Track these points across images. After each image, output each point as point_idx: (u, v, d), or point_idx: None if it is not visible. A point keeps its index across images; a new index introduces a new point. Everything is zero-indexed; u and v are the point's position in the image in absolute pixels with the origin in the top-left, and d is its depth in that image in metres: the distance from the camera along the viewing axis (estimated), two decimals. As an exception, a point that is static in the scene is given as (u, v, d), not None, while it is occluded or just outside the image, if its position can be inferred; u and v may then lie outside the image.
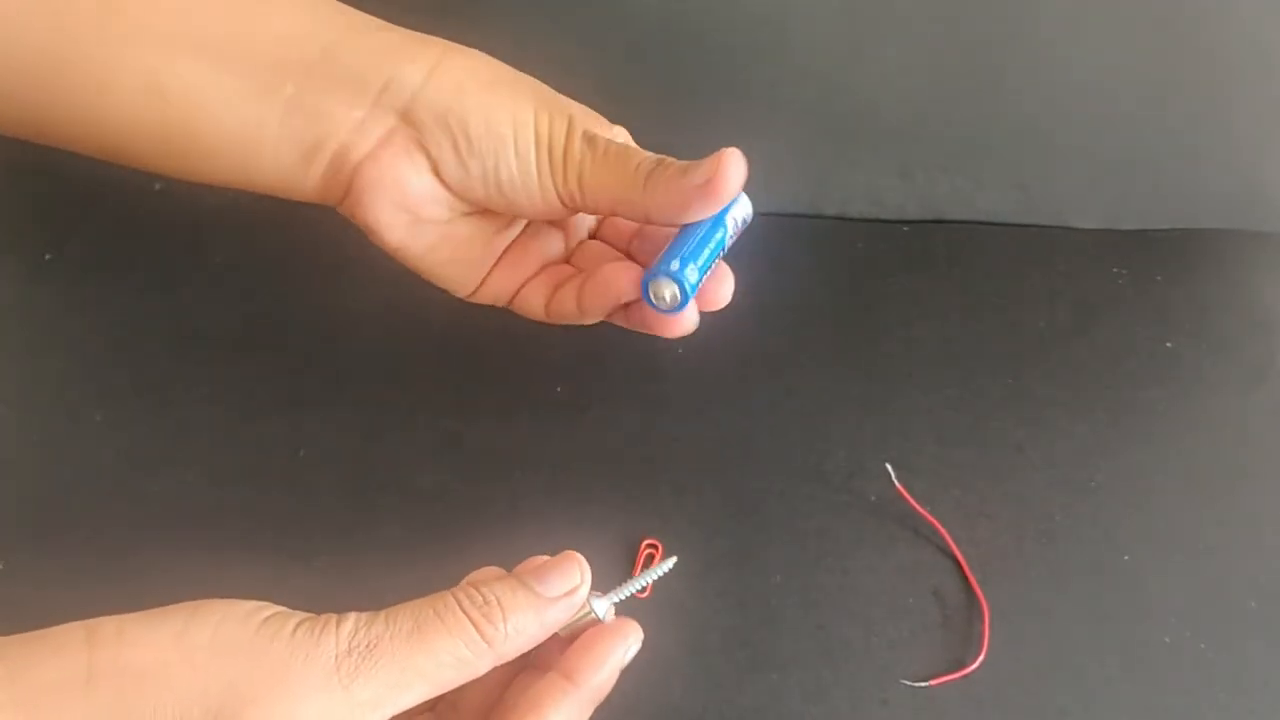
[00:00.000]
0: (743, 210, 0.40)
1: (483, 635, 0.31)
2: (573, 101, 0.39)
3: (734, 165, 0.36)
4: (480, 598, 0.32)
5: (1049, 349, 0.60)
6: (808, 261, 0.64)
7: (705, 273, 0.38)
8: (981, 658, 0.47)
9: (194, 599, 0.46)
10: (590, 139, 0.37)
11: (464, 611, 0.31)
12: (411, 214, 0.38)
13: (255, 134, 0.36)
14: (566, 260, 0.44)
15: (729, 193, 0.36)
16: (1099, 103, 0.61)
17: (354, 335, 0.59)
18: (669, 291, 0.38)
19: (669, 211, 0.37)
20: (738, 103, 0.60)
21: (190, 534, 0.50)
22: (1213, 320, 0.62)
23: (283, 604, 0.47)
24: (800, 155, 0.63)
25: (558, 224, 0.43)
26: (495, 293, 0.43)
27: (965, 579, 0.50)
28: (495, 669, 0.32)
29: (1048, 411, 0.57)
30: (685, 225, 0.38)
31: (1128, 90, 0.61)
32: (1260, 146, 0.64)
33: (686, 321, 0.39)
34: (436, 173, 0.37)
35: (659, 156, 0.37)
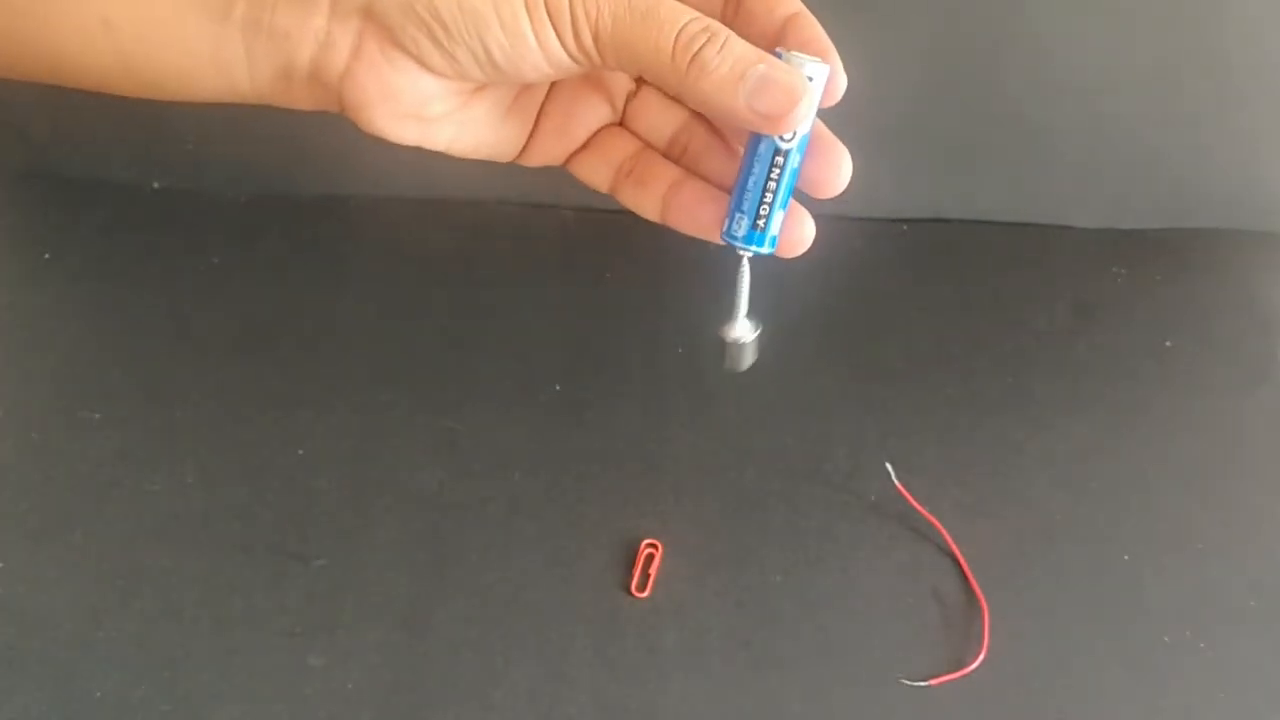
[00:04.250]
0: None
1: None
2: None
3: (805, 102, 0.31)
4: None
5: (1049, 349, 0.60)
6: (806, 261, 0.64)
7: (781, 211, 0.34)
8: (981, 657, 0.47)
9: (193, 599, 0.46)
10: None
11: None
12: (414, 117, 0.34)
13: (219, 58, 0.33)
14: (621, 121, 0.39)
15: (796, 127, 0.31)
16: (1098, 102, 0.61)
17: (353, 335, 0.59)
18: (745, 255, 0.35)
19: (718, 115, 0.32)
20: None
21: (189, 534, 0.50)
22: (1213, 320, 0.62)
23: (281, 605, 0.48)
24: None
25: (592, 80, 0.38)
26: (543, 159, 0.38)
27: (965, 579, 0.50)
28: None
29: (1048, 411, 0.57)
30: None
31: (1127, 90, 0.61)
32: (1260, 146, 0.64)
33: (790, 250, 0.35)
34: (425, 68, 0.33)
35: (707, 24, 0.31)
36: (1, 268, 0.61)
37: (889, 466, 0.52)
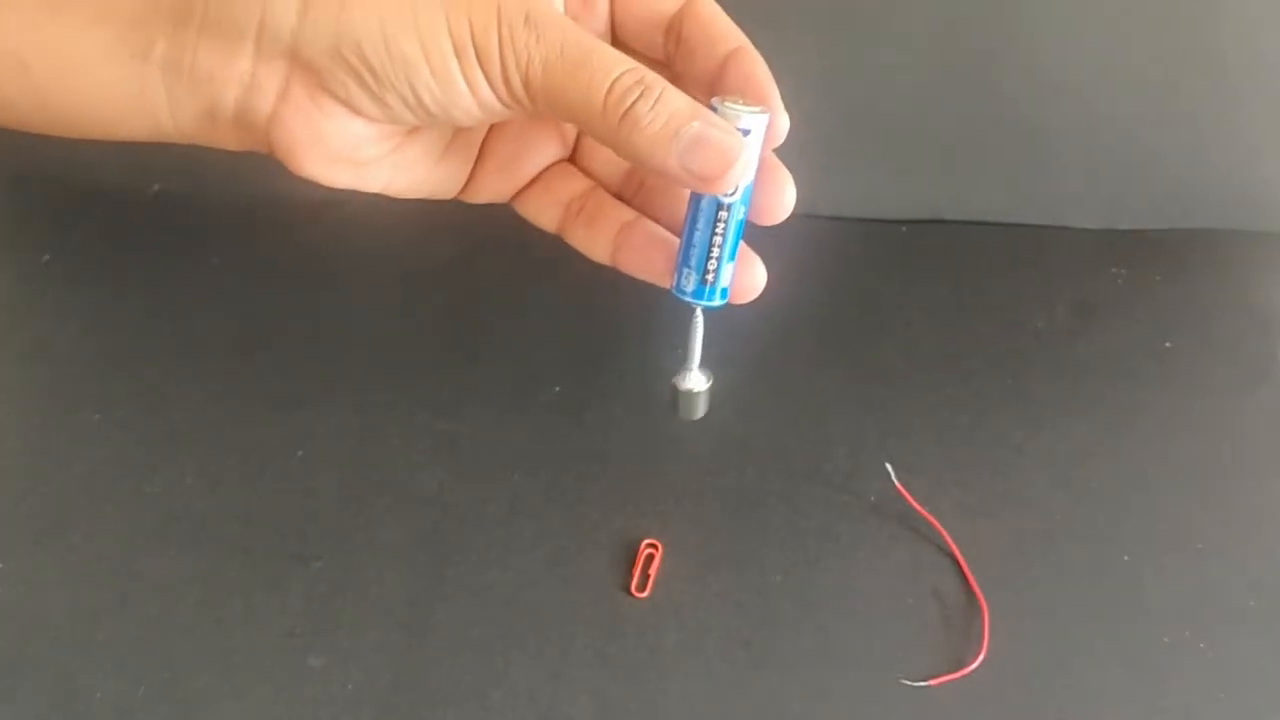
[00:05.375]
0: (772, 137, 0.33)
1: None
2: None
3: (740, 169, 0.30)
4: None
5: (1048, 349, 0.60)
6: (806, 262, 0.64)
7: (730, 263, 0.33)
8: (981, 657, 0.47)
9: (193, 600, 0.46)
10: (537, 25, 0.29)
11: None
12: (345, 160, 0.33)
13: (140, 99, 0.32)
14: (570, 158, 0.37)
15: (733, 186, 0.30)
16: (1097, 102, 0.61)
17: (353, 336, 0.59)
18: (698, 310, 0.34)
19: (652, 173, 0.31)
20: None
21: (188, 535, 0.50)
22: (1212, 320, 0.62)
23: (280, 605, 0.48)
24: (797, 155, 0.63)
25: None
26: (488, 196, 0.37)
27: (965, 579, 0.50)
28: None
29: (1048, 411, 0.57)
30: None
31: (1126, 90, 0.61)
32: (1260, 146, 0.64)
33: (742, 298, 0.34)
34: (354, 113, 0.31)
35: (641, 75, 0.29)
36: (1, 269, 0.61)
37: (889, 466, 0.52)
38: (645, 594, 0.49)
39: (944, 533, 0.51)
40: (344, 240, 0.63)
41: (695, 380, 0.36)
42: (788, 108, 0.35)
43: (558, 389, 0.57)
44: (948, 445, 0.55)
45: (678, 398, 0.36)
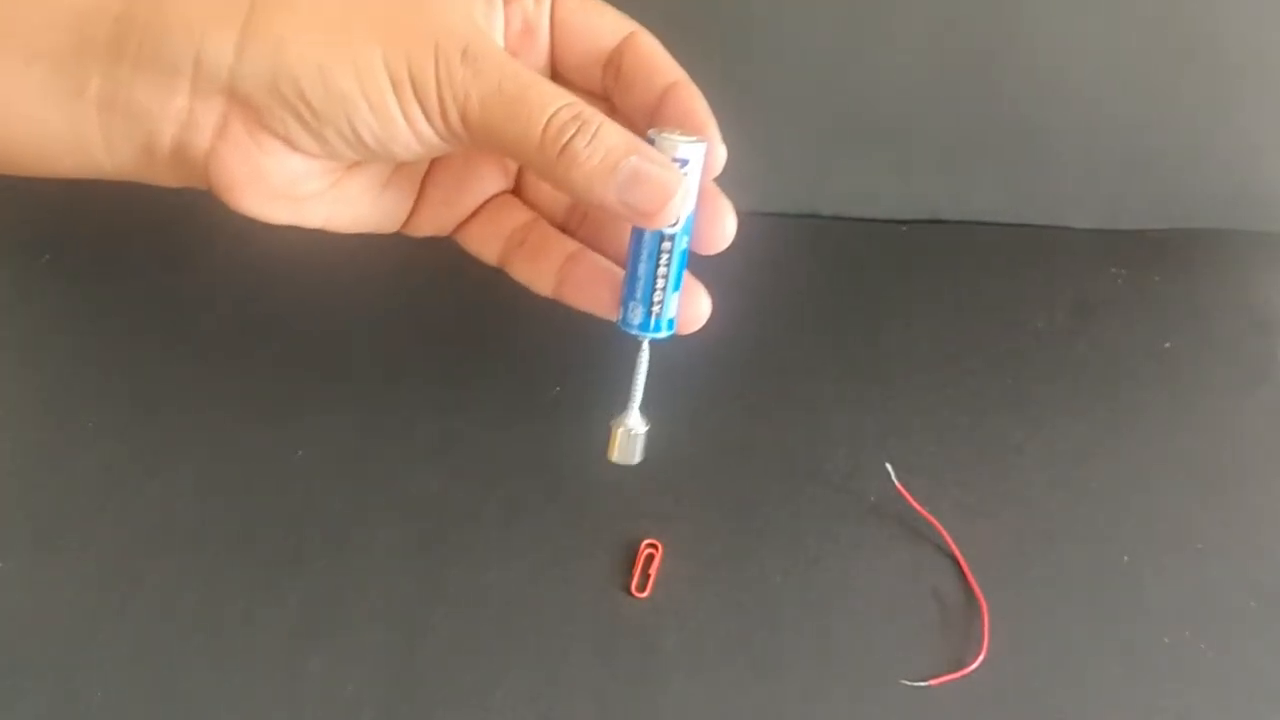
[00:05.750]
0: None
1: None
2: (444, 8, 0.30)
3: (678, 202, 0.29)
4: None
5: (1048, 349, 0.60)
6: (806, 262, 0.64)
7: (675, 293, 0.33)
8: (981, 658, 0.47)
9: (192, 602, 0.46)
10: (475, 61, 0.29)
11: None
12: (285, 197, 0.33)
13: (75, 136, 0.31)
14: (514, 190, 0.37)
15: (672, 220, 0.30)
16: (1097, 102, 0.61)
17: (352, 337, 0.59)
18: (645, 343, 0.34)
19: (592, 208, 0.31)
20: (735, 103, 0.59)
21: (187, 536, 0.50)
22: (1212, 320, 0.62)
23: (280, 607, 0.48)
24: (798, 156, 0.63)
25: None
26: (430, 229, 0.37)
27: (965, 579, 0.50)
28: None
29: (1048, 411, 0.57)
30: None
31: (1126, 90, 0.61)
32: (1260, 146, 0.64)
33: (687, 329, 0.34)
34: (293, 149, 0.31)
35: (578, 111, 0.29)
36: (1, 269, 0.61)
37: (889, 466, 0.52)
38: (645, 594, 0.49)
39: (944, 533, 0.51)
40: (344, 240, 0.63)
41: (635, 421, 0.34)
42: (788, 108, 0.35)
43: (558, 389, 0.57)
44: (948, 445, 0.55)
45: (616, 439, 0.35)
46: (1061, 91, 0.61)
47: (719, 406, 0.57)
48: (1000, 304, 0.63)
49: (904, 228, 0.67)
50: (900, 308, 0.62)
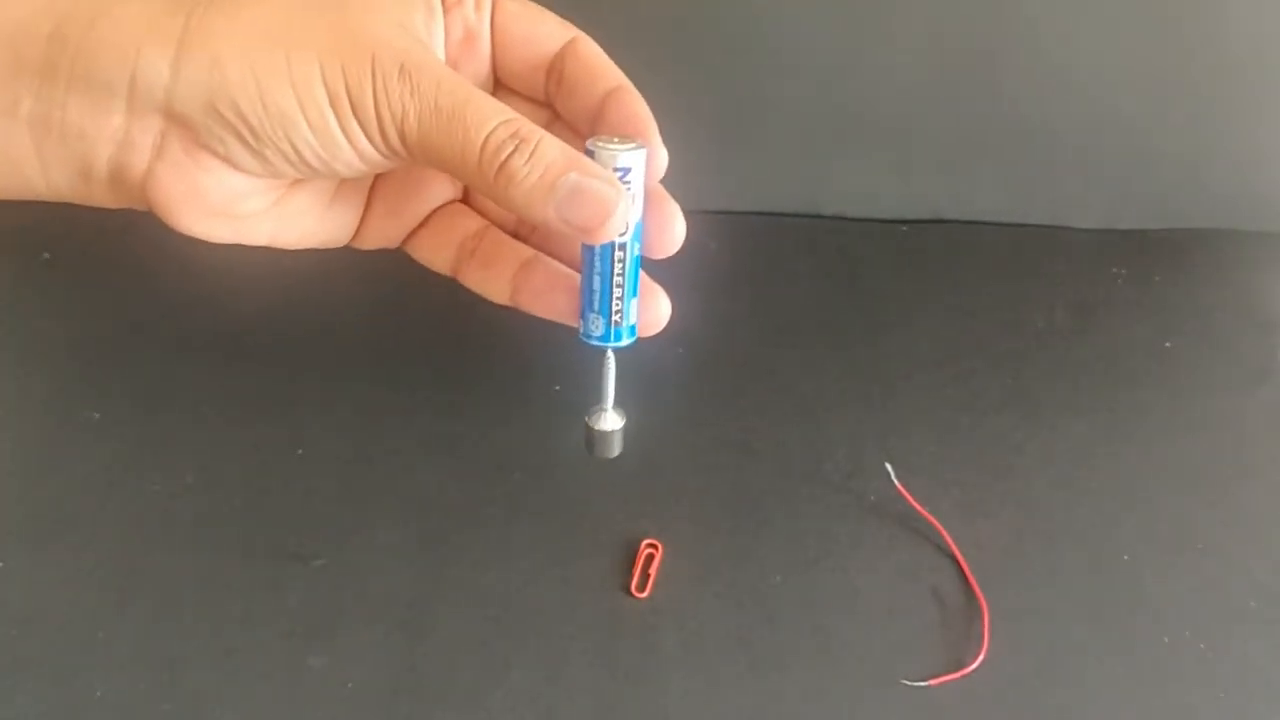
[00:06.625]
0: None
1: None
2: (382, 18, 0.30)
3: (619, 217, 0.29)
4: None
5: (1048, 349, 0.60)
6: (806, 261, 0.64)
7: (634, 299, 0.33)
8: (981, 658, 0.47)
9: (193, 599, 0.46)
10: (411, 76, 0.28)
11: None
12: (226, 215, 0.32)
13: (7, 157, 0.31)
14: (464, 198, 0.37)
15: (614, 236, 0.30)
16: (1097, 103, 0.61)
17: (352, 336, 0.59)
18: (609, 351, 0.34)
19: (532, 222, 0.30)
20: (736, 103, 0.60)
21: (188, 534, 0.50)
22: (1212, 320, 0.62)
23: (281, 605, 0.48)
24: (799, 156, 0.63)
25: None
26: (380, 242, 0.36)
27: (965, 579, 0.50)
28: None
29: (1047, 411, 0.57)
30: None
31: (1127, 90, 0.61)
32: (1261, 147, 0.64)
33: (648, 332, 0.35)
34: (234, 168, 0.30)
35: (516, 128, 0.29)
36: (1, 269, 0.61)
37: (889, 466, 0.52)
38: (645, 594, 0.49)
39: (944, 533, 0.51)
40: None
41: (609, 420, 0.36)
42: (789, 109, 0.35)
43: (557, 388, 0.57)
44: (948, 445, 0.55)
45: (592, 438, 0.36)
46: (1062, 92, 0.61)
47: (719, 406, 0.57)
48: (1000, 304, 0.63)
49: (904, 228, 0.67)
50: (900, 307, 0.62)
